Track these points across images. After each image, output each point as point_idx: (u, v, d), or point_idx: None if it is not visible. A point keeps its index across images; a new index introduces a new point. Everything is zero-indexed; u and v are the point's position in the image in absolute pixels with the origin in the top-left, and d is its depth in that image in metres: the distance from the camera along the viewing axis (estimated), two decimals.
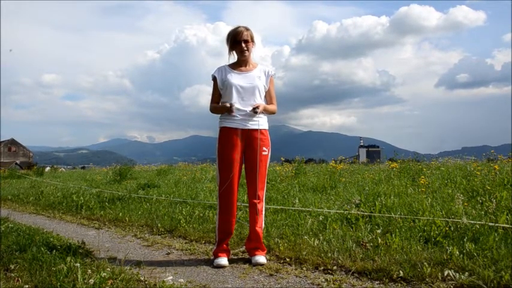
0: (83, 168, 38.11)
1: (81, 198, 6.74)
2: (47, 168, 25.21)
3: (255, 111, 2.93)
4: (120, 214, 5.25)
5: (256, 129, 3.00)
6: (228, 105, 2.93)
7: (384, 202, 4.11)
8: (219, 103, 3.11)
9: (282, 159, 10.32)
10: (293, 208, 4.38)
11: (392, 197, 4.40)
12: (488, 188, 4.57)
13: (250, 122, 2.99)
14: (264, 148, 3.03)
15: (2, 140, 67.67)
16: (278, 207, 4.58)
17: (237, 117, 2.97)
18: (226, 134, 3.00)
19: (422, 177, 5.96)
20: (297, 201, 4.73)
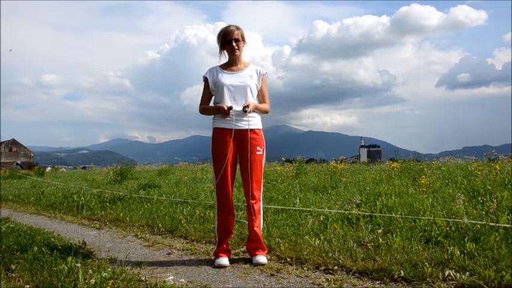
0: (84, 168, 38.13)
1: (82, 198, 6.74)
2: (48, 169, 25.25)
3: (244, 109, 2.93)
4: (121, 214, 5.25)
5: (250, 129, 2.99)
6: (225, 107, 2.91)
7: (384, 202, 4.11)
8: (209, 104, 3.11)
9: (283, 159, 10.32)
10: (294, 208, 4.38)
11: (393, 197, 4.40)
12: (489, 188, 4.57)
13: (243, 122, 2.97)
14: (258, 148, 3.02)
15: (2, 140, 67.75)
16: (279, 207, 4.58)
17: (229, 117, 2.96)
18: (219, 135, 3.00)
19: (423, 177, 5.96)
20: (298, 201, 4.73)
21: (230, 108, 2.91)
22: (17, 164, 59.54)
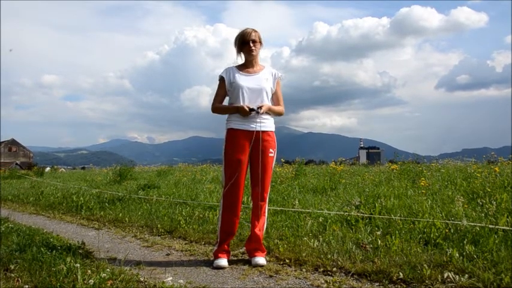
0: (83, 168, 38.08)
1: (81, 198, 6.74)
2: (47, 169, 25.22)
3: (257, 111, 2.94)
4: (120, 215, 5.25)
5: (263, 131, 3.00)
6: (246, 108, 2.91)
7: (383, 204, 4.10)
8: (223, 104, 3.12)
9: (282, 160, 10.32)
10: (293, 209, 4.38)
11: (392, 199, 4.40)
12: (489, 190, 4.57)
13: (257, 124, 2.99)
14: (271, 150, 3.04)
15: (2, 140, 67.72)
16: (278, 208, 4.58)
17: (245, 119, 2.97)
18: (233, 136, 3.00)
19: (423, 179, 5.96)
20: (297, 202, 4.72)
21: (252, 109, 2.93)
22: (17, 164, 59.51)
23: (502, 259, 2.43)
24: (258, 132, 2.98)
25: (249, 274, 2.71)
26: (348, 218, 3.78)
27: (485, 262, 2.44)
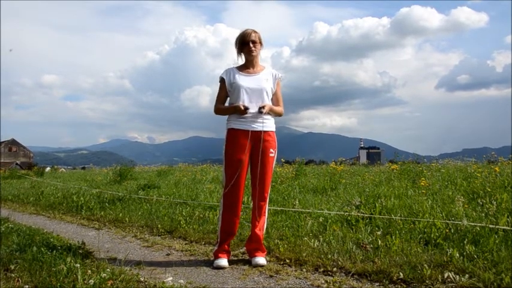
0: (83, 168, 38.09)
1: (82, 198, 6.74)
2: (47, 169, 25.23)
3: (260, 110, 2.94)
4: (120, 215, 5.25)
5: (264, 131, 3.01)
6: (242, 107, 2.93)
7: (384, 204, 4.10)
8: (225, 105, 3.13)
9: (283, 160, 10.33)
10: (293, 209, 4.38)
11: (392, 199, 4.40)
12: (489, 190, 4.57)
13: (258, 124, 2.99)
14: (271, 150, 3.05)
15: (2, 140, 67.75)
16: (278, 208, 4.58)
17: (245, 118, 2.98)
18: (233, 136, 3.00)
19: (423, 179, 5.96)
20: (297, 202, 4.73)
21: (247, 108, 2.93)
22: (17, 164, 59.53)
23: (503, 259, 2.43)
24: (258, 132, 2.99)
25: (249, 274, 2.71)
26: (348, 218, 3.78)
27: (485, 262, 2.44)
